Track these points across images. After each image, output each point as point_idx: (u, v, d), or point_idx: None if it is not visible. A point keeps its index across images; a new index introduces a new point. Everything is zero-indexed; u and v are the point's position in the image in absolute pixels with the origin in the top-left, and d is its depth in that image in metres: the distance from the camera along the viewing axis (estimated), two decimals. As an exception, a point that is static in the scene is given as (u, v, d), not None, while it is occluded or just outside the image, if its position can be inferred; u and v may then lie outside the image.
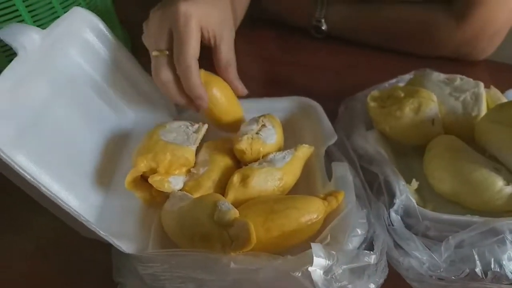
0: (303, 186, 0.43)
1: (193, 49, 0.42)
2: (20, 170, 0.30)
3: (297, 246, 0.35)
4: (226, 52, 0.47)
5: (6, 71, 0.32)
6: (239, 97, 0.48)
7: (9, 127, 0.32)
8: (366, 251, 0.30)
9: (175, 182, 0.38)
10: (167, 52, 0.43)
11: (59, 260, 0.40)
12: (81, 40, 0.44)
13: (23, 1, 0.47)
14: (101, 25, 0.45)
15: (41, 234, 0.42)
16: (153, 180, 0.37)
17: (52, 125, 0.38)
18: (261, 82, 0.67)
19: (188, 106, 0.45)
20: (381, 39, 0.71)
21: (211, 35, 0.45)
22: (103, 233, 0.32)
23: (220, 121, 0.47)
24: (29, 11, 0.48)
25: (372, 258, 0.30)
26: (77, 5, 0.54)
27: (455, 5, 0.65)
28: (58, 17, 0.50)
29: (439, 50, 0.68)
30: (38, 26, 0.49)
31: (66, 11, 0.52)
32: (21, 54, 0.34)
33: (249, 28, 0.76)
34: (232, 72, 0.47)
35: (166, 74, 0.43)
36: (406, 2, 0.69)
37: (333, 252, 0.28)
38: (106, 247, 0.35)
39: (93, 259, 0.39)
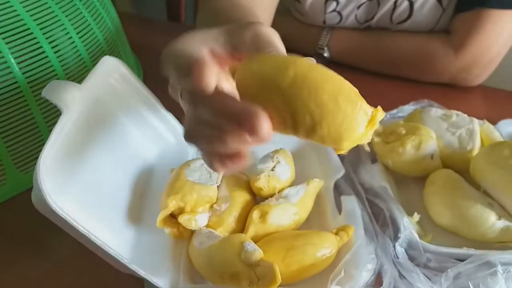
0: (315, 219, 0.47)
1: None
2: (67, 218, 0.34)
3: (311, 278, 0.40)
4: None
5: (55, 129, 0.36)
6: None
7: (57, 180, 0.36)
8: (376, 288, 0.35)
9: (201, 221, 0.42)
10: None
11: (83, 285, 0.43)
12: (110, 87, 0.48)
13: (55, 53, 0.52)
14: (126, 71, 0.49)
15: (63, 257, 0.46)
16: (183, 219, 0.41)
17: (90, 169, 0.42)
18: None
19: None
20: (382, 66, 0.76)
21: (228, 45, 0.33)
22: (143, 273, 0.36)
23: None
24: (60, 61, 0.53)
25: (382, 294, 0.34)
26: (96, 41, 0.60)
27: (453, 35, 0.70)
28: (80, 53, 0.56)
29: (437, 77, 0.73)
30: (65, 69, 0.55)
31: (89, 50, 0.58)
32: (65, 111, 0.38)
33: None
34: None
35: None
36: (406, 32, 0.73)
37: (349, 290, 0.33)
38: (136, 278, 0.39)
39: (119, 283, 0.43)
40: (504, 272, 0.37)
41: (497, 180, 0.43)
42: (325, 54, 0.78)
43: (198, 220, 0.42)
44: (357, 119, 0.27)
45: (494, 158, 0.44)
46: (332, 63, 0.79)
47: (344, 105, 0.27)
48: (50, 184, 0.34)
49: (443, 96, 0.70)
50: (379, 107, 0.29)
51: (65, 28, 0.55)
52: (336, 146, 0.29)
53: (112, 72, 0.48)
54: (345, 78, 0.85)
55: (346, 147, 0.29)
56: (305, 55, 0.83)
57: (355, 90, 0.29)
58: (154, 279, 0.36)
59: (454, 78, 0.72)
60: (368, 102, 0.72)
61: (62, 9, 0.55)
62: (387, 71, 0.75)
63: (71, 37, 0.56)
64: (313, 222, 0.47)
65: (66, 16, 0.55)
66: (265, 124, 0.26)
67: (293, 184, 0.49)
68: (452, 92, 0.72)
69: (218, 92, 0.29)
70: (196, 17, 0.63)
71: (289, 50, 0.85)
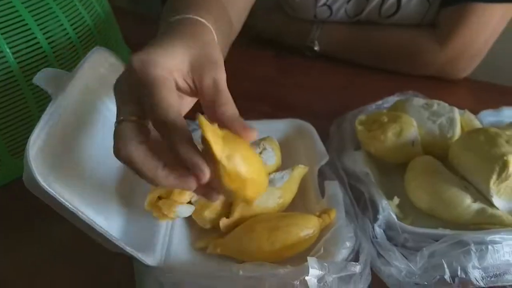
0: (299, 202, 0.49)
1: (165, 100, 0.31)
2: (57, 196, 0.36)
3: (295, 256, 0.42)
4: (226, 99, 0.33)
5: (45, 114, 0.38)
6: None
7: (46, 161, 0.38)
8: (352, 262, 0.36)
9: (182, 212, 0.43)
10: (134, 118, 0.33)
11: (78, 269, 0.45)
12: (101, 76, 0.49)
13: (47, 39, 0.53)
14: (117, 62, 0.51)
15: (59, 243, 0.47)
16: (162, 204, 0.42)
17: (79, 153, 0.44)
18: (256, 102, 0.71)
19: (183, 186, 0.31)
20: (370, 59, 0.77)
21: (191, 82, 0.35)
22: (129, 249, 0.38)
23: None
24: (52, 47, 0.54)
25: (357, 268, 0.36)
26: (86, 26, 0.61)
27: (438, 29, 0.72)
28: (72, 40, 0.57)
29: (424, 70, 0.74)
30: (57, 57, 0.56)
31: (81, 38, 0.59)
32: (54, 97, 0.40)
33: (245, 47, 0.81)
34: (241, 121, 0.32)
35: (134, 146, 0.32)
36: (394, 26, 0.75)
37: (325, 263, 0.34)
38: (127, 259, 0.40)
39: (113, 267, 0.44)
40: (477, 251, 0.38)
41: (472, 164, 0.45)
42: (315, 48, 0.80)
43: (178, 211, 0.43)
44: None
45: (470, 144, 0.46)
46: (322, 57, 0.81)
47: None
48: (40, 165, 0.36)
49: (430, 88, 0.72)
50: None
51: (57, 16, 0.57)
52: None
53: (102, 61, 0.50)
54: (335, 72, 0.86)
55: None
56: (296, 48, 0.84)
57: None
58: (140, 255, 0.38)
59: (440, 71, 0.73)
60: (356, 94, 0.74)
61: (56, -1, 0.56)
62: (375, 64, 0.77)
63: (62, 24, 0.58)
64: (298, 205, 0.49)
65: (59, 6, 0.57)
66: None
67: (279, 169, 0.51)
68: (438, 84, 0.74)
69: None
70: None
71: (280, 44, 0.86)
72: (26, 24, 0.52)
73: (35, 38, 0.53)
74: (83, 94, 0.46)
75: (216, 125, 0.30)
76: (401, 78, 0.75)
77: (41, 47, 0.53)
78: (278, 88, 0.76)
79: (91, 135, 0.47)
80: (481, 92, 0.75)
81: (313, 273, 0.33)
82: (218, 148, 0.28)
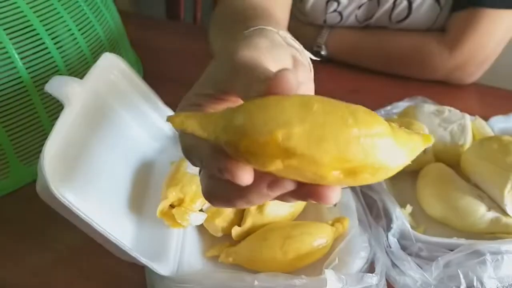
0: (311, 210, 0.49)
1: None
2: (71, 206, 0.35)
3: (309, 266, 0.41)
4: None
5: (58, 122, 0.38)
6: None
7: (60, 170, 0.38)
8: (369, 274, 0.36)
9: (195, 220, 0.43)
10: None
11: (89, 277, 0.44)
12: (111, 83, 0.49)
13: (57, 49, 0.53)
14: (126, 67, 0.51)
15: (69, 250, 0.47)
16: (176, 212, 0.42)
17: (92, 161, 0.44)
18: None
19: None
20: (379, 64, 0.77)
21: None
22: (143, 260, 0.37)
23: None
24: (62, 57, 0.54)
25: (374, 280, 0.36)
26: (97, 38, 0.61)
27: (448, 34, 0.71)
28: (81, 49, 0.57)
29: (432, 75, 0.74)
30: (67, 64, 0.56)
31: (89, 44, 0.59)
32: (67, 104, 0.40)
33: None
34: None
35: None
36: (403, 31, 0.75)
37: (342, 276, 0.34)
38: (137, 267, 0.40)
39: (124, 276, 0.44)
40: (492, 261, 0.38)
41: (486, 173, 0.45)
42: (323, 52, 0.80)
43: (191, 219, 0.43)
44: None
45: (483, 152, 0.46)
46: (329, 61, 0.80)
47: None
48: (54, 174, 0.35)
49: (438, 93, 0.72)
50: None
51: (67, 25, 0.57)
52: None
53: (112, 68, 0.49)
54: (343, 76, 0.85)
55: None
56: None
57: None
58: (154, 266, 0.38)
59: (449, 76, 0.73)
60: (363, 99, 0.73)
61: (64, 6, 0.56)
62: (383, 69, 0.76)
63: (73, 33, 0.58)
64: (310, 214, 0.48)
65: (68, 13, 0.57)
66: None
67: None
68: (446, 89, 0.74)
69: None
70: (211, 17, 0.62)
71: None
72: (36, 32, 0.52)
73: (45, 46, 0.52)
74: (94, 101, 0.46)
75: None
76: (409, 83, 0.75)
77: (51, 55, 0.53)
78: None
79: (102, 142, 0.47)
80: (490, 97, 0.74)
81: (331, 286, 0.33)
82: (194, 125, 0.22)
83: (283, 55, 0.30)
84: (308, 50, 0.83)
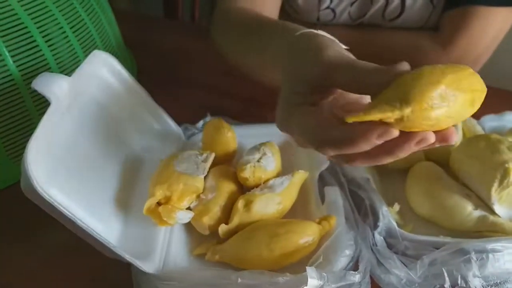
0: (299, 208, 0.49)
1: None
2: (54, 203, 0.35)
3: (295, 263, 0.41)
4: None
5: (44, 119, 0.38)
6: None
7: (44, 167, 0.38)
8: (351, 272, 0.36)
9: (181, 218, 0.43)
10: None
11: (76, 275, 0.44)
12: (100, 80, 0.49)
13: (48, 47, 0.53)
14: (117, 65, 0.51)
15: (57, 248, 0.47)
16: (162, 210, 0.42)
17: (78, 158, 0.44)
18: (259, 106, 0.71)
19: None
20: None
21: None
22: (128, 256, 0.37)
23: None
24: (53, 55, 0.54)
25: (356, 277, 0.36)
26: (89, 36, 0.61)
27: (441, 32, 0.71)
28: (73, 47, 0.57)
29: (426, 73, 0.74)
30: (58, 62, 0.56)
31: (81, 43, 0.59)
32: (53, 102, 0.40)
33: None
34: None
35: None
36: (396, 29, 0.74)
37: (324, 273, 0.34)
38: (124, 267, 0.40)
39: (110, 274, 0.44)
40: (477, 260, 0.38)
41: (474, 171, 0.44)
42: (317, 51, 0.80)
43: (178, 217, 0.43)
44: None
45: (471, 151, 0.45)
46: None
47: None
48: (38, 171, 0.35)
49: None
50: None
51: (59, 23, 0.57)
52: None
53: (102, 65, 0.50)
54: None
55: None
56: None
57: None
58: (138, 263, 0.38)
59: (443, 74, 0.73)
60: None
61: (56, 4, 0.56)
62: (376, 67, 0.76)
63: (64, 31, 0.58)
64: (298, 211, 0.48)
65: (60, 11, 0.57)
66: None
67: (279, 175, 0.50)
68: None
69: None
70: (216, 33, 0.64)
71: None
72: (26, 28, 0.52)
73: (36, 43, 0.52)
74: (82, 98, 0.46)
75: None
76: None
77: (42, 53, 0.53)
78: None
79: (91, 139, 0.47)
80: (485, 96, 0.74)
81: (312, 283, 0.33)
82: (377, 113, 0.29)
83: (341, 48, 0.37)
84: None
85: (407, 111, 0.28)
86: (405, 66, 0.33)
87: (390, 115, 0.28)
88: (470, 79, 0.31)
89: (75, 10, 0.59)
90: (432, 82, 0.29)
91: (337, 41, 0.39)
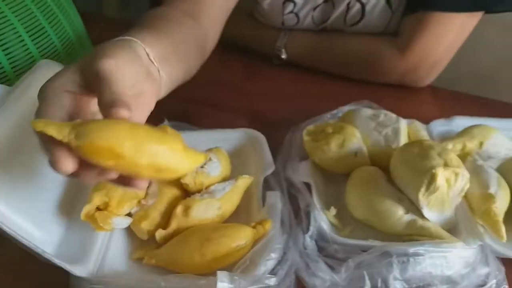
0: (243, 212, 0.50)
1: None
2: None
3: (229, 267, 0.42)
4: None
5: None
6: None
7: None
8: (268, 275, 0.37)
9: (118, 223, 0.44)
10: None
11: (19, 282, 0.45)
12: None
13: (6, 55, 0.54)
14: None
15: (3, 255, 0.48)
16: (98, 216, 0.43)
17: (19, 165, 0.45)
18: (218, 109, 0.72)
19: None
20: (334, 67, 0.78)
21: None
22: (56, 260, 0.38)
23: None
24: (10, 64, 0.55)
25: (272, 281, 0.36)
26: (50, 43, 0.62)
27: (399, 37, 0.72)
28: (32, 55, 0.58)
29: (385, 78, 0.75)
30: (16, 71, 0.57)
31: (41, 50, 0.60)
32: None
33: (214, 53, 0.81)
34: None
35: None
36: (357, 34, 0.75)
37: (236, 277, 0.35)
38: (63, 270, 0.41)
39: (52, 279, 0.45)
40: (399, 263, 0.39)
41: (405, 176, 0.45)
42: (283, 56, 0.81)
43: (114, 223, 0.44)
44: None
45: (404, 156, 0.46)
46: (289, 65, 0.81)
47: None
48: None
49: (393, 97, 0.72)
50: None
51: (16, 30, 0.58)
52: None
53: (49, 74, 0.50)
54: (302, 79, 0.86)
55: None
56: (264, 56, 0.85)
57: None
58: (68, 267, 0.39)
59: (402, 79, 0.74)
60: (317, 102, 0.74)
61: (12, 9, 0.56)
62: (339, 72, 0.77)
63: (23, 40, 0.59)
64: (242, 215, 0.49)
65: (16, 16, 0.57)
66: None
67: (226, 180, 0.51)
68: (400, 92, 0.74)
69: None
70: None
71: (248, 51, 0.86)
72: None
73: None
74: (26, 107, 0.47)
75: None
76: (363, 86, 0.75)
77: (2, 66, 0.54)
78: (243, 96, 0.76)
79: (34, 147, 0.48)
80: (444, 100, 0.75)
81: (221, 287, 0.34)
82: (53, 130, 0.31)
83: (138, 68, 0.38)
84: (269, 53, 0.84)
85: (73, 142, 0.31)
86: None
87: (60, 137, 0.31)
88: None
89: (32, 15, 0.59)
90: (114, 141, 0.31)
91: (143, 52, 0.41)
